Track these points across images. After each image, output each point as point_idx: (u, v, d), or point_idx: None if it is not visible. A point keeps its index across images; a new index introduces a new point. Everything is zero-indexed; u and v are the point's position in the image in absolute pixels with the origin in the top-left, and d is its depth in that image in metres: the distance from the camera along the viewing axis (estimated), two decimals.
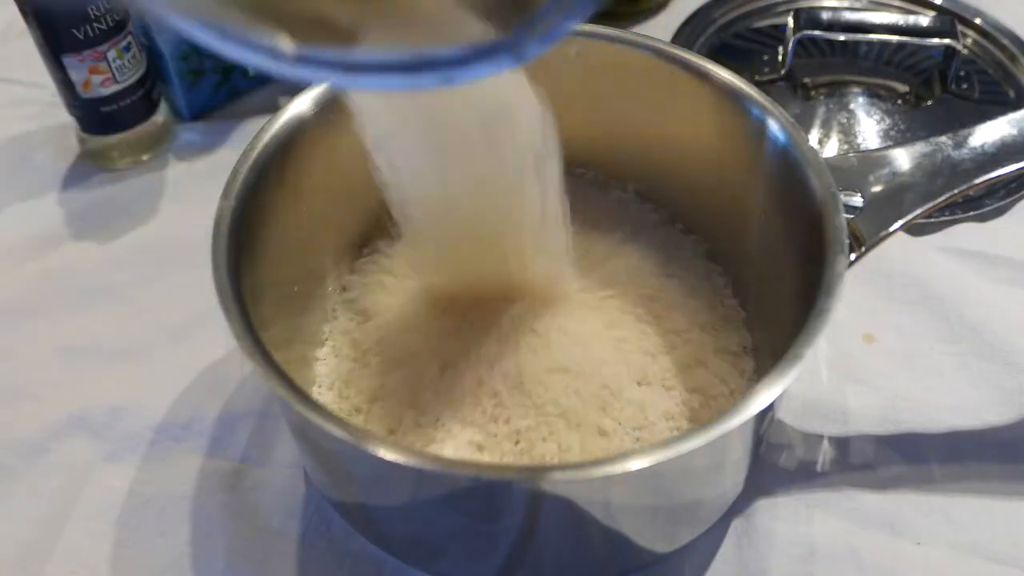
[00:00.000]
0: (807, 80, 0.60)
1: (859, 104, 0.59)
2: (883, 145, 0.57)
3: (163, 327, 0.48)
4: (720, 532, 0.40)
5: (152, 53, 0.56)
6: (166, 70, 0.57)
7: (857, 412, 0.44)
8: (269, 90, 0.61)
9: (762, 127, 0.40)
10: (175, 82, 0.57)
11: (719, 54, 0.62)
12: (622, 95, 0.45)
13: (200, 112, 0.59)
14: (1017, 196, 0.53)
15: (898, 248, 0.50)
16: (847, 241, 0.35)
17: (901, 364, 0.46)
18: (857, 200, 0.38)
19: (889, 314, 0.48)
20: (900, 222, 0.38)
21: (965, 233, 0.52)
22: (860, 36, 0.58)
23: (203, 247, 0.35)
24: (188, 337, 0.47)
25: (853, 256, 0.37)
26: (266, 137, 0.39)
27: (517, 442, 0.38)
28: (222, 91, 0.60)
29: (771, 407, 0.32)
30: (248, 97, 0.61)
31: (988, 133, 0.40)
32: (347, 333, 0.43)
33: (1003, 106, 0.59)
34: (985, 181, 0.39)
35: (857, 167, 0.39)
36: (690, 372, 0.41)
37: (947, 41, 0.57)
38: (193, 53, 0.57)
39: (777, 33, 0.63)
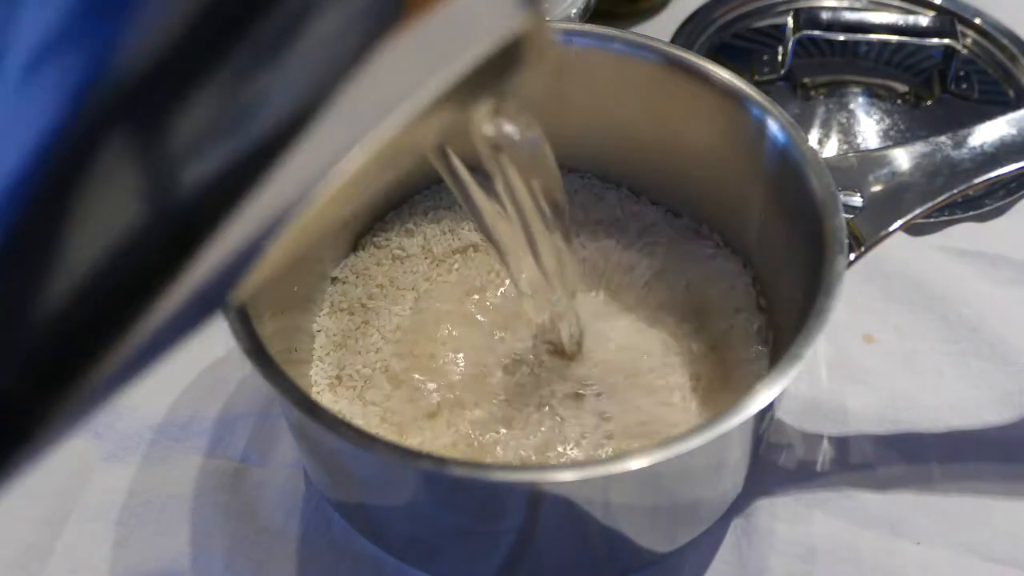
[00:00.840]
0: (807, 80, 0.60)
1: (859, 104, 0.59)
2: (883, 145, 0.57)
3: None
4: (720, 532, 0.40)
5: None
6: None
7: (857, 412, 0.44)
8: None
9: (762, 127, 0.40)
10: None
11: (719, 54, 0.62)
12: (621, 96, 0.45)
13: None
14: (1017, 196, 0.53)
15: (898, 248, 0.50)
16: (846, 241, 0.35)
17: (901, 364, 0.46)
18: (857, 200, 0.38)
19: (889, 314, 0.48)
20: (900, 222, 0.38)
21: (965, 233, 0.52)
22: (860, 36, 0.58)
23: None
24: None
25: (853, 256, 0.37)
26: None
27: (517, 442, 0.38)
28: None
29: (771, 407, 0.32)
30: None
31: (988, 133, 0.40)
32: (347, 331, 0.43)
33: (1003, 106, 0.59)
34: (985, 181, 0.39)
35: (857, 167, 0.39)
36: (705, 362, 0.41)
37: (947, 41, 0.57)
38: None
39: (777, 33, 0.63)
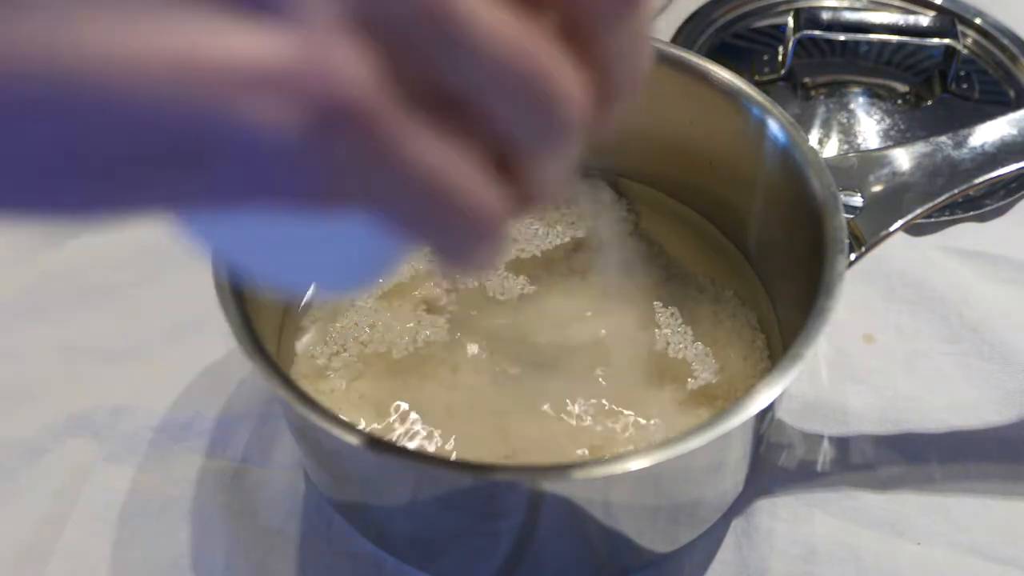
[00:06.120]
0: (807, 80, 0.60)
1: (859, 104, 0.59)
2: (883, 145, 0.57)
3: (163, 327, 0.48)
4: (720, 532, 0.40)
5: None
6: None
7: (857, 412, 0.44)
8: None
9: (762, 127, 0.40)
10: None
11: (719, 54, 0.62)
12: None
13: None
14: (1017, 196, 0.53)
15: (898, 248, 0.50)
16: (847, 241, 0.35)
17: (901, 364, 0.46)
18: (857, 200, 0.38)
19: (889, 314, 0.48)
20: (900, 222, 0.38)
21: (965, 233, 0.52)
22: (860, 36, 0.58)
23: None
24: (188, 337, 0.47)
25: (853, 256, 0.37)
26: None
27: (516, 441, 0.38)
28: None
29: (771, 407, 0.32)
30: None
31: (988, 133, 0.40)
32: (348, 330, 0.43)
33: (1003, 106, 0.59)
34: (985, 181, 0.39)
35: (857, 167, 0.39)
36: (706, 362, 0.41)
37: (947, 41, 0.57)
38: None
39: (777, 33, 0.63)
